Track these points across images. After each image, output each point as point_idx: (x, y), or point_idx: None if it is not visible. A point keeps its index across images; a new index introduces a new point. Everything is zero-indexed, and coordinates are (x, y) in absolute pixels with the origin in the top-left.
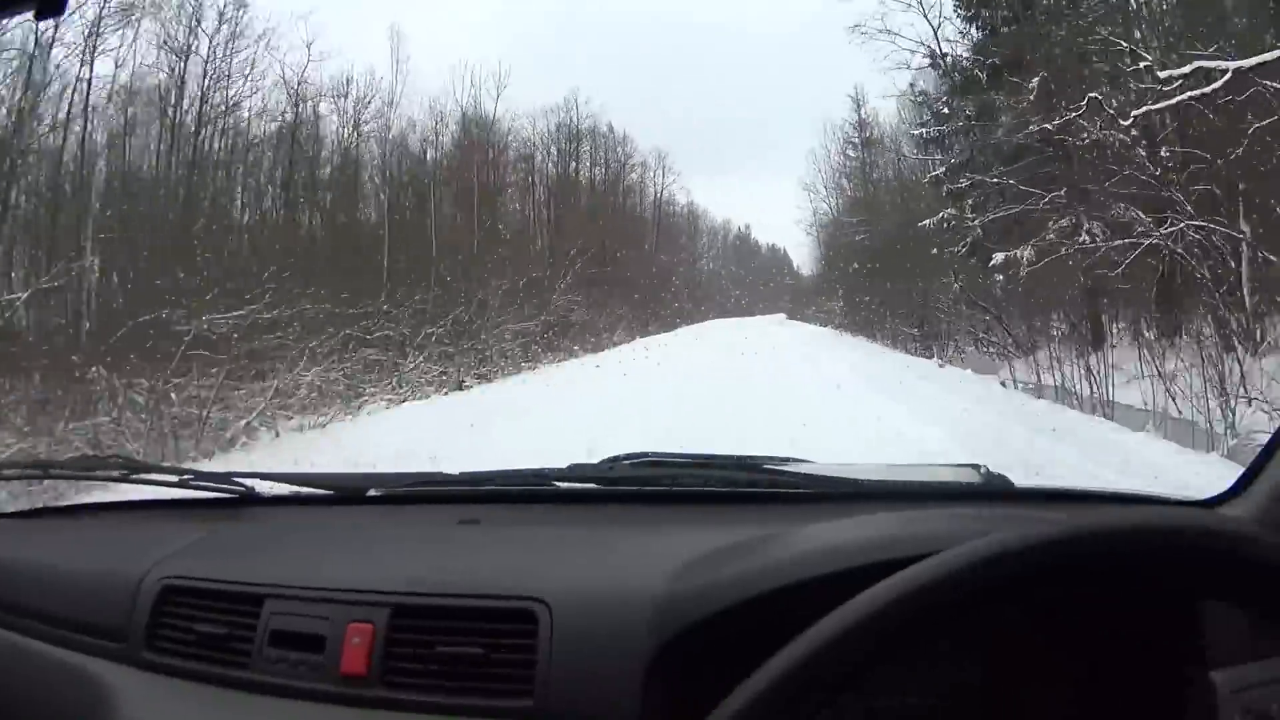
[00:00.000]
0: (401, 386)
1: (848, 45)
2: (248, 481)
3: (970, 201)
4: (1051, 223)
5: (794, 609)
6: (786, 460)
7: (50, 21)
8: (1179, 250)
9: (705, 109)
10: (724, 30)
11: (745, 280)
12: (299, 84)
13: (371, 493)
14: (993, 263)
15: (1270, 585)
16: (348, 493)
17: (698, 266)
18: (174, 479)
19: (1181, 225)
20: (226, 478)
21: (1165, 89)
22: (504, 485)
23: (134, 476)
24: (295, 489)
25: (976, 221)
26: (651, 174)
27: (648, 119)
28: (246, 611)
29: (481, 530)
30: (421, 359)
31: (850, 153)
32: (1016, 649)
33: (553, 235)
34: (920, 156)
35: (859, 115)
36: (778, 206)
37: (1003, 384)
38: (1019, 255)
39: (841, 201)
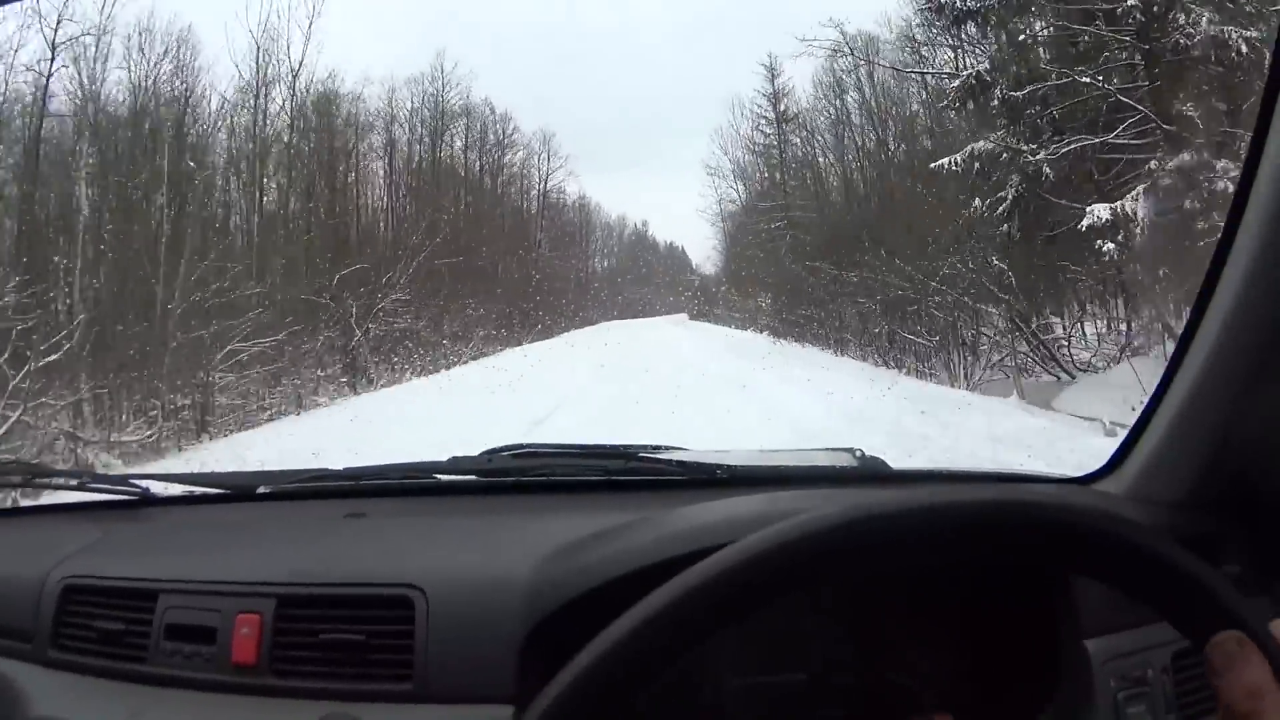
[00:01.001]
0: None
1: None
2: (144, 483)
3: (1023, 129)
4: (1158, 161)
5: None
6: (661, 448)
7: None
8: None
9: (600, 94)
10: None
11: (642, 278)
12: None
13: (261, 490)
14: (1089, 222)
15: (1127, 560)
16: (239, 490)
17: (590, 265)
18: (74, 482)
19: None
20: (124, 480)
21: None
22: (387, 479)
23: (35, 481)
24: (190, 489)
25: (1040, 155)
26: (536, 159)
27: (535, 108)
28: (143, 607)
29: (366, 523)
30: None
31: (766, 129)
32: (892, 623)
33: (398, 224)
34: (913, 71)
35: (773, 86)
36: (677, 201)
37: None
38: (1129, 210)
39: (748, 187)
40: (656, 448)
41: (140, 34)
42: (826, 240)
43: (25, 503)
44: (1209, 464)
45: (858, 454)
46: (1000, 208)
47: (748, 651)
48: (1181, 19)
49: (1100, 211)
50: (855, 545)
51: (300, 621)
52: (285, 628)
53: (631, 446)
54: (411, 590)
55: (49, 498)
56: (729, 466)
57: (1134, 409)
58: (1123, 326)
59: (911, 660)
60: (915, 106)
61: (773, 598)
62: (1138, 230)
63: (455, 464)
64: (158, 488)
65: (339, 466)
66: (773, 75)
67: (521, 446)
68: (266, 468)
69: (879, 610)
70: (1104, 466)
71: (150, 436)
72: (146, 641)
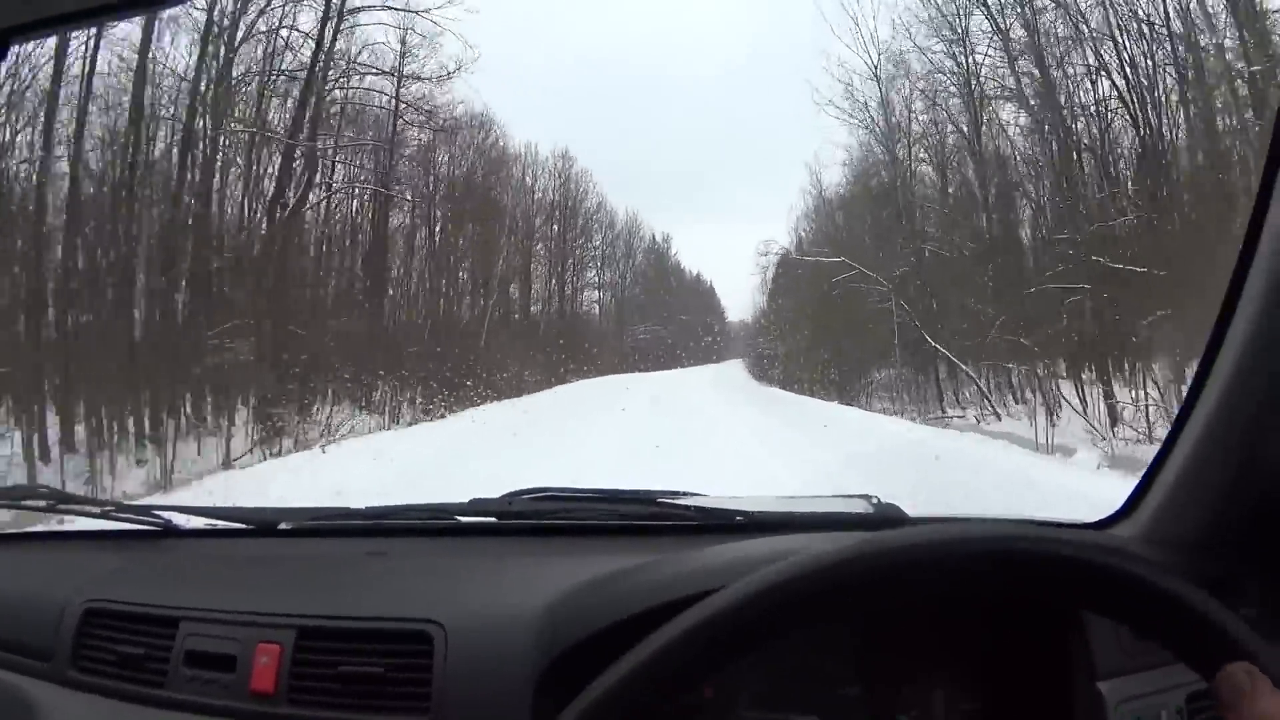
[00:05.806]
0: None
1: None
2: (167, 514)
3: None
4: None
5: None
6: (679, 494)
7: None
8: None
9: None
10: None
11: (662, 313)
12: None
13: (283, 526)
14: None
15: (1137, 597)
16: (262, 526)
17: (576, 269)
18: (98, 510)
19: None
20: (148, 510)
21: None
22: (408, 519)
23: (60, 507)
24: (212, 522)
25: None
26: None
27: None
28: (163, 634)
29: (387, 560)
30: None
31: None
32: (905, 664)
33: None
34: None
35: None
36: (703, 239)
37: None
38: None
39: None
40: (675, 493)
41: None
42: None
43: (50, 527)
44: (1225, 506)
45: (874, 500)
46: None
47: (764, 687)
48: None
49: None
50: (870, 578)
51: (320, 653)
52: (304, 658)
53: (651, 492)
54: (430, 625)
55: (73, 525)
56: (747, 512)
57: None
58: None
59: (925, 701)
60: None
61: (785, 629)
62: None
63: (476, 505)
64: (180, 519)
65: (361, 505)
66: None
67: (543, 490)
68: None
69: (893, 651)
70: (1118, 511)
71: None
72: (166, 667)
